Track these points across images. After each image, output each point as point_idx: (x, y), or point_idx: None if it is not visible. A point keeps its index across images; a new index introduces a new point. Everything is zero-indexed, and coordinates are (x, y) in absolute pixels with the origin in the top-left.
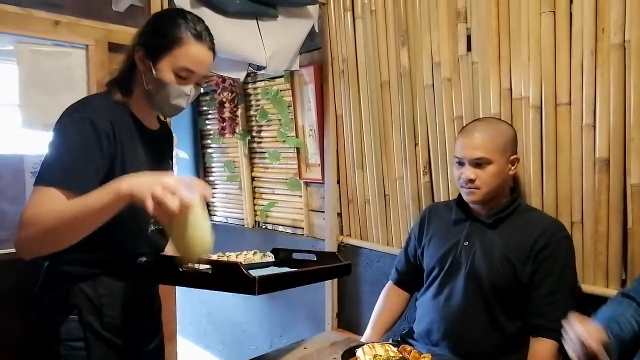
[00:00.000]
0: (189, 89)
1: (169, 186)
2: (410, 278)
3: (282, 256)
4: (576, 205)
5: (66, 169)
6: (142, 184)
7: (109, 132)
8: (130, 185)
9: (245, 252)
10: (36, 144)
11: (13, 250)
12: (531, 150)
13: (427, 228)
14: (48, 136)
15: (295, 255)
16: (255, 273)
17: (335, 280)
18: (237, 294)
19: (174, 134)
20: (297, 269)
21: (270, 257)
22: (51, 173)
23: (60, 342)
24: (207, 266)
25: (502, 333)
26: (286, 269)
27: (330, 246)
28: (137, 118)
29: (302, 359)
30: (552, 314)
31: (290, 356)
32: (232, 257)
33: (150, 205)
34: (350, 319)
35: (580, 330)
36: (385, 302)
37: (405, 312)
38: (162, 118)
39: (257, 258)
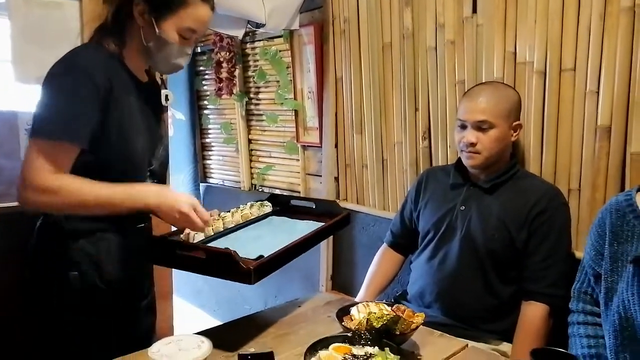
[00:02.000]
0: (190, 48)
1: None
2: (405, 241)
3: (281, 200)
4: (574, 173)
5: (65, 121)
6: (168, 204)
7: (105, 84)
8: (159, 203)
9: (241, 207)
10: (30, 100)
11: (9, 204)
12: (533, 116)
13: (424, 192)
14: (41, 85)
15: (293, 202)
16: (254, 234)
17: (331, 243)
18: None
19: (170, 93)
20: (294, 238)
21: (268, 207)
22: (51, 125)
23: (57, 294)
24: (202, 237)
25: (496, 297)
26: (283, 239)
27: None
28: (130, 70)
29: (297, 317)
30: (545, 280)
31: (285, 314)
32: (228, 216)
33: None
34: (344, 281)
35: None
36: (379, 264)
37: (398, 275)
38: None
39: (255, 210)
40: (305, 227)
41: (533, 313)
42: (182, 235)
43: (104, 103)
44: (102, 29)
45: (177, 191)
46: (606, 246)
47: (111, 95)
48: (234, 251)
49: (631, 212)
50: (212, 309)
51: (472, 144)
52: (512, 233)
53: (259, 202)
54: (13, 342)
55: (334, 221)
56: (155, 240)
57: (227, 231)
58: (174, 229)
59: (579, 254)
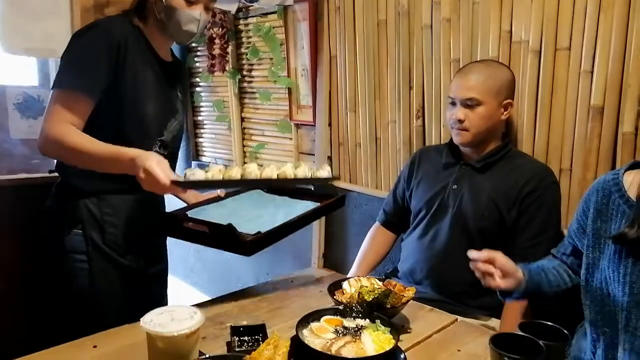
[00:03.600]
0: (198, 13)
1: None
2: (396, 219)
3: (281, 185)
4: (566, 152)
5: (78, 72)
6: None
7: (121, 42)
8: (136, 155)
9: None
10: (18, 75)
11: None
12: (527, 95)
13: (417, 171)
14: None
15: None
16: (255, 214)
17: (323, 221)
18: None
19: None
20: (289, 218)
21: (326, 171)
22: (67, 76)
23: (65, 253)
24: (201, 176)
25: None
26: (278, 218)
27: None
28: (152, 46)
29: (289, 292)
30: (534, 257)
31: (277, 289)
32: (252, 166)
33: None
34: (336, 259)
35: (485, 253)
36: (371, 241)
37: (390, 253)
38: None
39: (300, 172)
40: (304, 207)
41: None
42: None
43: (118, 61)
44: (128, 11)
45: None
46: (589, 222)
47: (126, 55)
48: (234, 227)
49: (617, 191)
50: (204, 287)
51: (460, 121)
52: (502, 212)
53: (305, 164)
54: (22, 307)
55: (329, 202)
56: (166, 214)
57: (231, 208)
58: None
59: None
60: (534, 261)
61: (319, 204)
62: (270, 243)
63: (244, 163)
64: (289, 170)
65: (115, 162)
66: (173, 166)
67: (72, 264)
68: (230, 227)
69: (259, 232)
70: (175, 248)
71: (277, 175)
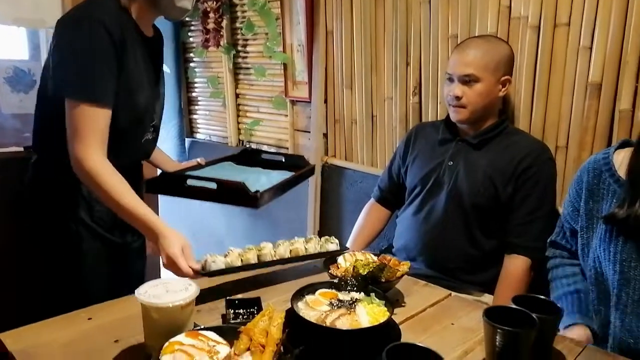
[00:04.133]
0: None
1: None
2: (391, 196)
3: (252, 158)
4: (563, 130)
5: (95, 82)
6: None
7: (119, 37)
8: (165, 235)
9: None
10: (8, 49)
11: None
12: (524, 72)
13: (413, 147)
14: (58, 36)
15: (264, 156)
16: (240, 178)
17: (318, 198)
18: (220, 209)
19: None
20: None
21: (333, 244)
22: (83, 87)
23: (54, 235)
24: (221, 265)
25: (479, 250)
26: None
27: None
28: (137, 25)
29: (284, 266)
30: (528, 234)
31: (272, 263)
32: (268, 248)
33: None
34: (331, 236)
35: None
36: (366, 218)
37: (384, 230)
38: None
39: (311, 247)
40: (281, 175)
41: (515, 266)
42: (201, 261)
43: (118, 58)
44: None
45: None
46: (582, 204)
47: (124, 49)
48: (243, 182)
49: (607, 170)
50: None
51: (458, 98)
52: (498, 188)
53: (319, 238)
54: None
55: (303, 171)
56: (167, 173)
57: (213, 174)
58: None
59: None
60: (528, 237)
61: (293, 173)
62: (273, 198)
63: (239, 141)
64: (300, 246)
65: (140, 226)
66: (155, 142)
67: (61, 244)
68: (240, 183)
69: (257, 191)
70: (171, 225)
71: (290, 251)
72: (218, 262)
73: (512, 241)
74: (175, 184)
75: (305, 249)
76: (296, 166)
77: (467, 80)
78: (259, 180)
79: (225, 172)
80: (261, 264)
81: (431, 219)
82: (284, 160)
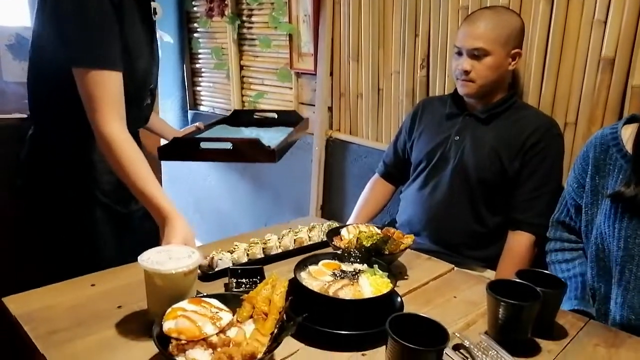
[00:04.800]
0: None
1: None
2: (396, 171)
3: (245, 118)
4: (573, 106)
5: (105, 46)
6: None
7: (120, 2)
8: (173, 218)
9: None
10: (9, 16)
11: None
12: (536, 45)
13: (419, 122)
14: (53, 3)
15: (257, 115)
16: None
17: (321, 172)
18: (224, 184)
19: (158, 6)
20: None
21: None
22: (93, 52)
23: (63, 210)
24: (228, 263)
25: (483, 226)
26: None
27: (318, 140)
28: None
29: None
30: (533, 209)
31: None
32: (273, 240)
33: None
34: (334, 210)
35: None
36: (370, 192)
37: (388, 205)
38: None
39: (314, 235)
40: (280, 131)
41: (519, 242)
42: (207, 258)
43: (119, 20)
44: None
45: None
46: (587, 179)
47: (123, 11)
48: (258, 138)
49: (615, 145)
50: (203, 239)
51: (466, 72)
52: (504, 163)
53: (322, 224)
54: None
55: (298, 126)
56: (179, 139)
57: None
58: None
59: None
60: (532, 213)
61: (291, 128)
62: (285, 152)
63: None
64: (304, 235)
65: (149, 206)
66: (152, 106)
67: (72, 217)
68: (255, 139)
69: (268, 146)
70: (175, 200)
71: (295, 241)
72: (225, 259)
73: (517, 217)
74: (188, 148)
75: (309, 237)
76: (289, 122)
77: (476, 54)
78: (263, 138)
79: (224, 133)
80: (270, 257)
81: (436, 194)
82: (276, 116)
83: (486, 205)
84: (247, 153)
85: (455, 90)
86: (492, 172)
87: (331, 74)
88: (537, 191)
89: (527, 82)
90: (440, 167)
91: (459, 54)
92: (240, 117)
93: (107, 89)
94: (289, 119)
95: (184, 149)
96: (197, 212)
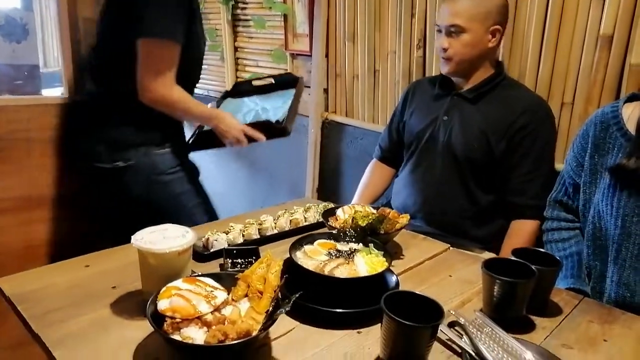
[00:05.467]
0: None
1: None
2: (393, 155)
3: (244, 88)
4: (570, 85)
5: (171, 20)
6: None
7: None
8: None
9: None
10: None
11: None
12: (534, 23)
13: (410, 103)
14: None
15: (255, 83)
16: (251, 111)
17: (318, 156)
18: (219, 167)
19: None
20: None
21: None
22: (161, 25)
23: (161, 173)
24: (224, 244)
25: (476, 205)
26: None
27: (314, 123)
28: None
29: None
30: (531, 191)
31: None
32: (269, 221)
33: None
34: (330, 193)
35: None
36: (369, 177)
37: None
38: None
39: (310, 216)
40: (281, 96)
41: (521, 228)
42: (202, 239)
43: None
44: None
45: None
46: (587, 158)
47: None
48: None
49: (615, 124)
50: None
51: (444, 50)
52: (491, 143)
53: (317, 205)
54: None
55: (297, 91)
56: (204, 131)
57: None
58: None
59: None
60: (530, 194)
61: (293, 89)
62: (294, 120)
63: None
64: (300, 216)
65: (207, 119)
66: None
67: (170, 178)
68: (267, 121)
69: (277, 120)
70: None
71: (290, 222)
72: (220, 240)
73: (516, 201)
74: (214, 138)
75: (305, 218)
76: (286, 84)
77: (453, 30)
78: (268, 111)
79: (231, 108)
80: (265, 237)
81: (428, 176)
82: (274, 82)
83: (477, 184)
84: (261, 133)
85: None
86: (480, 152)
87: (327, 55)
88: (531, 174)
89: (523, 61)
90: (430, 148)
91: (439, 31)
92: (241, 88)
93: (173, 59)
94: (285, 81)
95: (210, 139)
96: None
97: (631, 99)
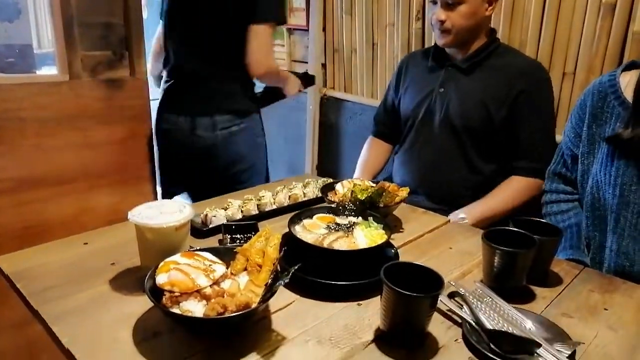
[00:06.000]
0: None
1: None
2: (390, 130)
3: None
4: (572, 55)
5: (279, 6)
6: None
7: None
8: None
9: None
10: None
11: None
12: None
13: (404, 77)
14: None
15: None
16: None
17: (317, 133)
18: None
19: None
20: None
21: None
22: (281, 10)
23: (259, 135)
24: (222, 219)
25: (478, 174)
26: None
27: (312, 99)
28: None
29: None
30: (532, 155)
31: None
32: (267, 197)
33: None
34: (329, 169)
35: None
36: (367, 153)
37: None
38: None
39: (309, 191)
40: None
41: (519, 183)
42: (201, 215)
43: None
44: None
45: None
46: (584, 128)
47: None
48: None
49: (613, 92)
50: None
51: (441, 22)
52: (491, 112)
53: (316, 180)
54: None
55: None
56: (270, 88)
57: None
58: None
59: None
60: (532, 158)
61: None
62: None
63: None
64: (299, 192)
65: (282, 80)
66: None
67: (258, 140)
68: (304, 73)
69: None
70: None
71: (289, 197)
72: (219, 216)
73: (518, 165)
74: (278, 92)
75: (304, 193)
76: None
77: (450, 2)
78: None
79: None
80: (264, 213)
81: (427, 150)
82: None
83: (478, 154)
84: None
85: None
86: (479, 121)
87: (324, 29)
88: (532, 137)
89: (524, 32)
90: (428, 122)
91: (434, 3)
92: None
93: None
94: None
95: (275, 94)
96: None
97: (629, 67)
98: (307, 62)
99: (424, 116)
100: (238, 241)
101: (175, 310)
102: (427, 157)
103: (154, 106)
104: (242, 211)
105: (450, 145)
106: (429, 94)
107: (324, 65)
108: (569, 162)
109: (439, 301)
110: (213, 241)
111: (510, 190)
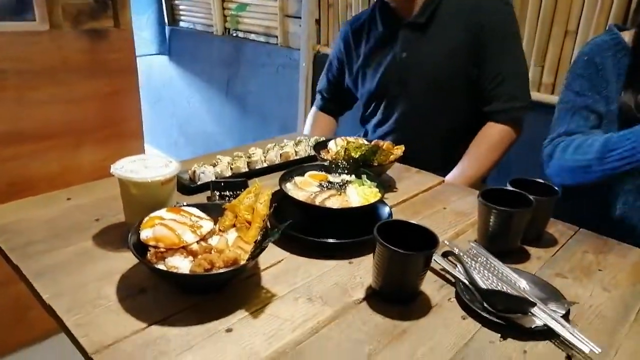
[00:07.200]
0: None
1: None
2: (335, 105)
3: None
4: (575, 12)
5: None
6: None
7: None
8: None
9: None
10: None
11: None
12: None
13: (355, 53)
14: None
15: None
16: None
17: (309, 91)
18: (208, 105)
19: None
20: None
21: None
22: None
23: None
24: (211, 177)
25: (462, 123)
26: None
27: (305, 56)
28: None
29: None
30: (503, 95)
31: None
32: (258, 154)
33: None
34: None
35: None
36: (312, 129)
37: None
38: None
39: (301, 149)
40: None
41: (491, 129)
42: (189, 172)
43: None
44: None
45: None
46: (608, 87)
47: None
48: None
49: (621, 49)
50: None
51: None
52: (462, 62)
53: (308, 139)
54: None
55: None
56: None
57: None
58: None
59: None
60: (503, 99)
61: None
62: None
63: (225, 29)
64: (290, 150)
65: None
66: None
67: None
68: None
69: None
70: (158, 123)
71: (280, 155)
72: (207, 172)
73: (489, 109)
74: None
75: (296, 151)
76: None
77: None
78: None
79: None
80: (254, 171)
81: (404, 119)
82: None
83: (460, 109)
84: None
85: (378, 1)
86: (454, 76)
87: None
88: (501, 74)
89: None
90: (397, 90)
91: None
92: None
93: None
94: None
95: None
96: (181, 134)
97: (620, 29)
98: (300, 18)
99: (394, 86)
100: (227, 198)
101: (161, 266)
102: (405, 126)
103: (142, 61)
104: (231, 168)
105: (426, 110)
106: (391, 64)
107: (317, 21)
108: (591, 118)
109: (432, 260)
110: (201, 198)
111: (485, 147)
